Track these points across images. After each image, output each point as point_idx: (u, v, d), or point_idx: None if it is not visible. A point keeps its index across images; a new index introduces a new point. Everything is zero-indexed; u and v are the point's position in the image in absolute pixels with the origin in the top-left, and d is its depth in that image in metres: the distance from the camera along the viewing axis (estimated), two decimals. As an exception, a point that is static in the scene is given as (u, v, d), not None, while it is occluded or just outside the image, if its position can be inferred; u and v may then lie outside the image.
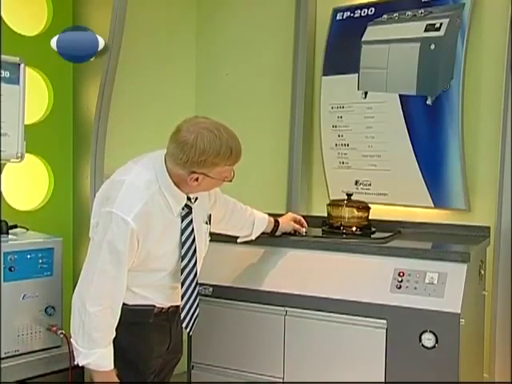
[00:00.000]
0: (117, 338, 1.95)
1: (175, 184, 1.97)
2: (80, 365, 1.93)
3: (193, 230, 2.06)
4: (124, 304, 1.98)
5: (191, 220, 2.05)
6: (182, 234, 2.04)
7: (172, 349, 2.19)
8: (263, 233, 2.52)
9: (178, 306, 2.13)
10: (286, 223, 2.60)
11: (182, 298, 2.07)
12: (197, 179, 1.93)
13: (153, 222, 1.94)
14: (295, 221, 2.63)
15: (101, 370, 1.93)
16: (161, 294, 2.07)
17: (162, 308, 2.10)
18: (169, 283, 2.07)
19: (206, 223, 2.17)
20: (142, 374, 2.08)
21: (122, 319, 1.95)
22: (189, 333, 2.15)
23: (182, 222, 2.04)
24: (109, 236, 1.88)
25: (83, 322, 1.89)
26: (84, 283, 1.92)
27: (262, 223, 2.50)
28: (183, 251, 2.04)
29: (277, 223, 2.55)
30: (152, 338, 2.08)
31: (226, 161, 1.92)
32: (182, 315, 2.09)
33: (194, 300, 2.11)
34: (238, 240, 2.50)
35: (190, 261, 2.06)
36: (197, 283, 2.10)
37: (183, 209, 2.03)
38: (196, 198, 2.07)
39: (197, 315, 2.14)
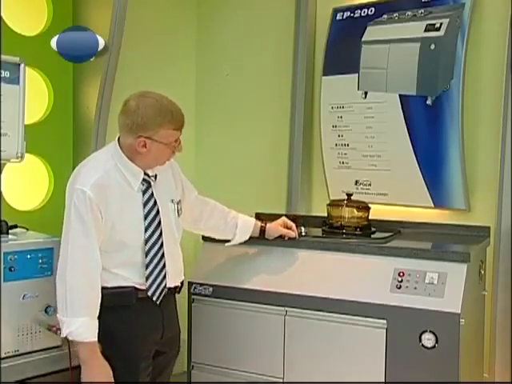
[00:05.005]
0: (104, 323, 2.01)
1: (129, 159, 2.09)
2: (63, 335, 2.01)
3: (155, 203, 2.15)
4: (105, 288, 2.05)
5: (152, 193, 2.15)
6: (144, 207, 2.13)
7: (167, 341, 2.23)
8: (251, 237, 2.51)
9: (169, 289, 2.19)
10: (274, 228, 2.55)
11: (147, 268, 2.12)
12: (145, 145, 2.03)
13: (111, 193, 2.05)
14: (285, 226, 2.58)
15: (84, 341, 1.97)
16: (136, 272, 2.12)
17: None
18: (142, 260, 2.12)
19: (172, 201, 2.23)
20: (132, 359, 2.11)
21: (105, 303, 2.03)
22: (156, 302, 2.15)
23: (143, 195, 2.14)
24: (73, 209, 2.01)
25: (65, 293, 1.99)
26: (62, 258, 2.04)
27: (247, 227, 2.50)
28: (146, 223, 2.12)
29: (263, 228, 2.53)
30: (141, 322, 2.13)
31: (168, 123, 2.03)
32: (148, 284, 2.13)
33: (161, 270, 2.15)
34: (226, 244, 2.52)
35: (154, 232, 2.13)
36: (163, 254, 2.15)
37: (143, 184, 2.13)
38: (155, 176, 2.16)
39: (164, 286, 2.16)
